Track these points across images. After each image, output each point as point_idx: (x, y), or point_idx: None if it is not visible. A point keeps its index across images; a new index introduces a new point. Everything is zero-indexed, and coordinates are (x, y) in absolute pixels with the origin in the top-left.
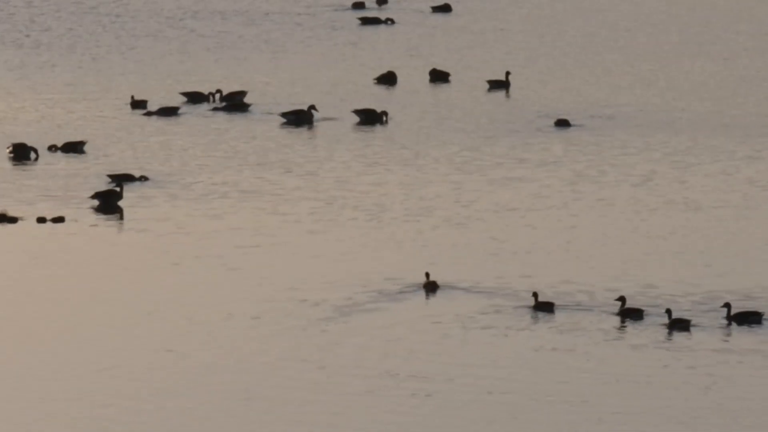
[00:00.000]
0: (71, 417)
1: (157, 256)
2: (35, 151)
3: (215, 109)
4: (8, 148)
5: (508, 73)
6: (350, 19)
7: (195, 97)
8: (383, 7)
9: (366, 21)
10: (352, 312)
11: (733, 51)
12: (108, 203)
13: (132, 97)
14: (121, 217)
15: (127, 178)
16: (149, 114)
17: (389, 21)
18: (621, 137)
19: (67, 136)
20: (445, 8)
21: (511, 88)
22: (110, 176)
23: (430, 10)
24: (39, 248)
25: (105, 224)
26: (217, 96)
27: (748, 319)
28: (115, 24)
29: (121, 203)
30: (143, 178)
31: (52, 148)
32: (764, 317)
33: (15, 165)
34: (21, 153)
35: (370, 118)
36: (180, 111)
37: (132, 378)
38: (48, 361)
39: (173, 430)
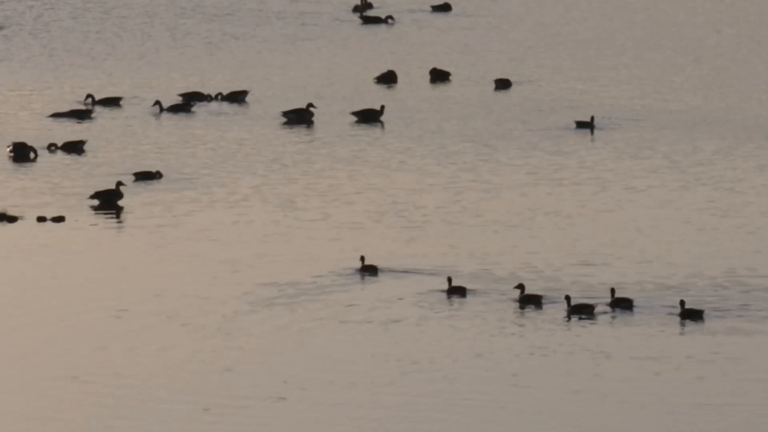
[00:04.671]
0: (69, 416)
1: (157, 255)
2: (35, 150)
3: (162, 110)
4: (8, 147)
5: (509, 81)
6: (351, 18)
7: (194, 98)
8: (368, 11)
9: (367, 20)
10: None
11: (757, 48)
12: (108, 203)
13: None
14: (121, 217)
15: (148, 175)
16: (57, 115)
17: (390, 19)
18: (650, 139)
19: (67, 135)
20: (445, 7)
21: (513, 88)
22: (135, 174)
23: (430, 9)
24: (39, 248)
25: (105, 224)
26: (157, 105)
27: (582, 311)
28: (114, 22)
29: (120, 203)
30: (158, 174)
31: (52, 148)
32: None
33: (15, 165)
34: (21, 152)
35: (368, 117)
36: (93, 114)
37: (130, 377)
38: (47, 360)
39: (174, 428)
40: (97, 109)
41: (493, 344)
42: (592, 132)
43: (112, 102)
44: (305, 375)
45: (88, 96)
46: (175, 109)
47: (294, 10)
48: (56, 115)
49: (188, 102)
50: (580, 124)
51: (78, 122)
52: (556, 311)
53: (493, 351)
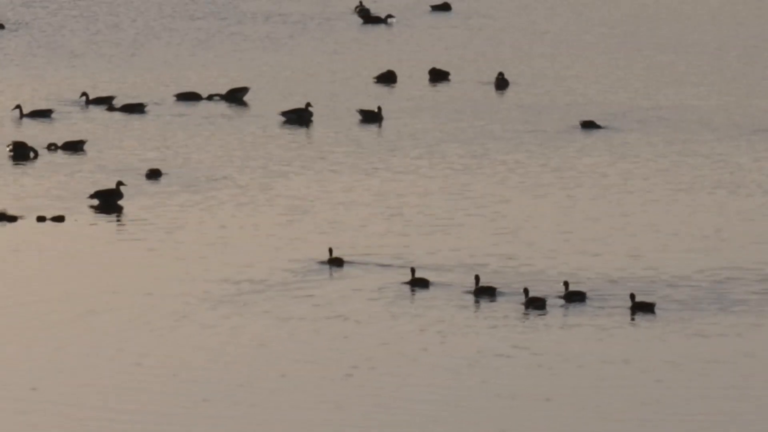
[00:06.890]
0: (67, 416)
1: (157, 255)
2: (35, 150)
3: (111, 109)
4: (8, 146)
5: (502, 76)
6: (351, 17)
7: (190, 98)
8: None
9: (367, 20)
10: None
11: (760, 45)
12: (108, 202)
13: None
14: (121, 216)
15: (159, 173)
16: (21, 116)
17: (390, 18)
18: (656, 139)
19: (67, 135)
20: (445, 7)
21: (513, 88)
22: (147, 172)
23: (430, 9)
24: (39, 247)
25: (105, 223)
26: (83, 98)
27: (536, 304)
28: (113, 20)
29: (120, 202)
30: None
31: (52, 147)
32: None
33: (15, 164)
34: (21, 152)
35: (370, 117)
36: (53, 114)
37: (130, 376)
38: (46, 360)
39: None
40: (90, 108)
41: (441, 340)
42: (595, 131)
43: (105, 101)
44: (255, 372)
45: (83, 94)
46: (127, 109)
47: (293, 10)
48: (20, 116)
49: (111, 99)
50: (585, 124)
51: (42, 122)
52: (512, 303)
53: (440, 347)
